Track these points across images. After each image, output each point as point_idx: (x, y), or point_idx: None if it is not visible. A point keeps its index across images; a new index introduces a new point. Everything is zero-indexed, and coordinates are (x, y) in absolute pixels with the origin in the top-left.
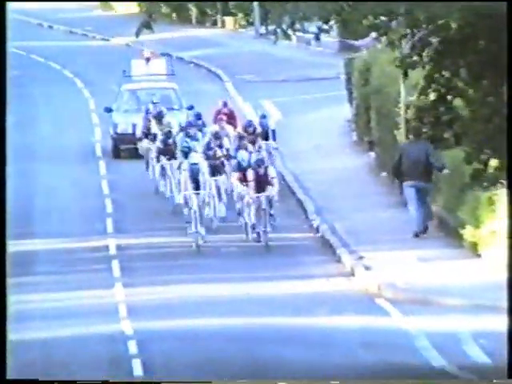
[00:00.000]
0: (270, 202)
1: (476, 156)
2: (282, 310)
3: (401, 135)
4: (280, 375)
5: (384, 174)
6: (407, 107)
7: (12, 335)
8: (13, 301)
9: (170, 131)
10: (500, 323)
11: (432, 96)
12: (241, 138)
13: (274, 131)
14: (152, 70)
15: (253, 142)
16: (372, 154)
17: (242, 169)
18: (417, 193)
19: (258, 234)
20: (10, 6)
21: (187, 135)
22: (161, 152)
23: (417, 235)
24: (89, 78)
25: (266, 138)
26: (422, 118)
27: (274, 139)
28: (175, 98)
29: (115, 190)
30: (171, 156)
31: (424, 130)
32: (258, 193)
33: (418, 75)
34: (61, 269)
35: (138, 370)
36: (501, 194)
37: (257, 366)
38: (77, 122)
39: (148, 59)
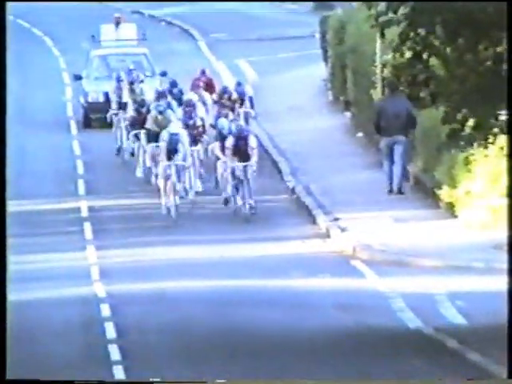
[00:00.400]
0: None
1: (453, 116)
2: (257, 272)
3: (377, 94)
4: (253, 337)
5: (360, 134)
6: (383, 66)
7: None
8: None
9: (143, 99)
10: (475, 284)
11: (408, 54)
12: (221, 105)
13: (251, 98)
14: (122, 34)
15: (231, 110)
16: (348, 114)
17: (223, 138)
18: (396, 149)
19: (239, 207)
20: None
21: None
22: (134, 121)
23: (391, 192)
24: (58, 36)
25: (242, 105)
26: (399, 77)
27: (252, 107)
28: (147, 63)
29: (87, 152)
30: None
31: (400, 88)
32: (238, 162)
33: (394, 33)
34: (32, 231)
35: (110, 333)
36: (477, 153)
37: (230, 329)
38: (47, 81)
39: (118, 23)
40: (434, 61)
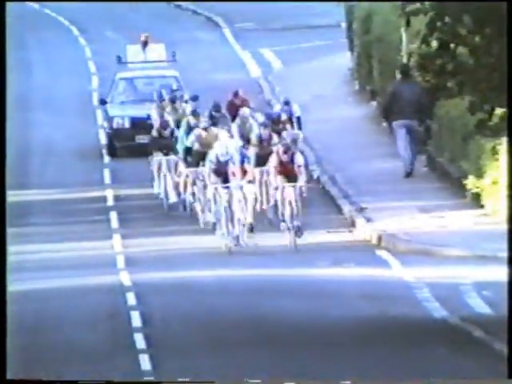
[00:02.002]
0: (298, 194)
1: (480, 105)
2: (282, 261)
3: None
4: (278, 327)
5: (384, 123)
6: (409, 55)
7: (10, 286)
8: (11, 251)
9: (166, 121)
10: (502, 274)
11: (435, 44)
12: (265, 126)
13: (299, 118)
14: (150, 56)
15: (278, 133)
16: (374, 104)
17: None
18: (408, 133)
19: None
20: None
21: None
22: (155, 143)
23: (408, 175)
24: (85, 26)
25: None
26: (425, 67)
27: (300, 127)
28: (177, 87)
29: None
30: (166, 150)
31: (427, 78)
32: (286, 182)
33: (420, 23)
34: (58, 220)
35: (136, 322)
36: (504, 143)
37: (255, 319)
38: (73, 70)
39: (145, 44)
40: (461, 50)
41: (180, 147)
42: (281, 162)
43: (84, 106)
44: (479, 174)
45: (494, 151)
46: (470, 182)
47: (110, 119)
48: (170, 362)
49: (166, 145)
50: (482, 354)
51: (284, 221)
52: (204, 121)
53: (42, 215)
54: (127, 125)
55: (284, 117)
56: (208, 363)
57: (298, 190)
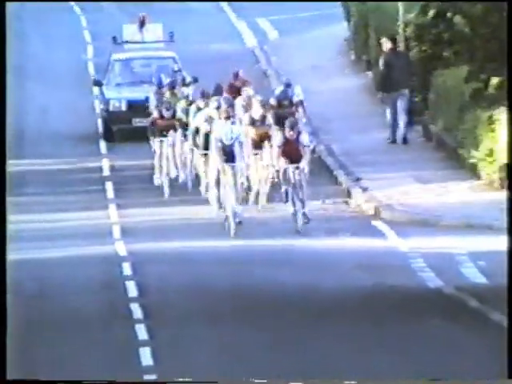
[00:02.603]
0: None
1: (476, 75)
2: (277, 231)
3: None
4: (272, 297)
5: (380, 94)
6: (406, 25)
7: (9, 255)
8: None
9: (169, 102)
10: (497, 244)
11: (431, 13)
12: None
13: (302, 102)
14: (147, 36)
15: (292, 114)
16: (370, 74)
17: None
18: (400, 102)
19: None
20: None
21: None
22: (154, 125)
23: (393, 142)
24: None
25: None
26: (422, 36)
27: (304, 111)
28: (177, 68)
29: None
30: (166, 132)
31: (423, 48)
32: (290, 163)
33: None
34: (54, 190)
35: (132, 292)
36: (500, 113)
37: (249, 288)
38: (69, 39)
39: (142, 24)
40: (457, 19)
41: (190, 130)
42: (286, 141)
43: (79, 75)
44: (475, 144)
45: (491, 121)
46: (466, 152)
47: (105, 101)
48: (165, 331)
49: (166, 126)
50: (477, 323)
51: (287, 201)
52: (215, 99)
53: (37, 185)
54: (124, 107)
55: (295, 99)
56: (203, 333)
57: (302, 171)
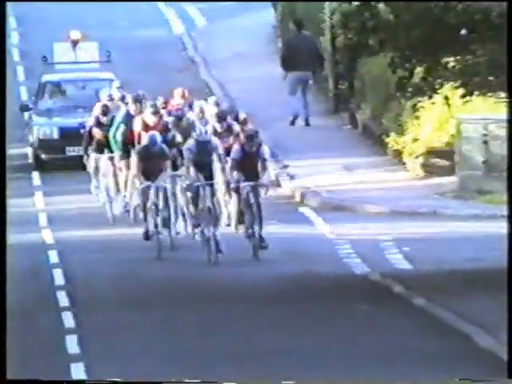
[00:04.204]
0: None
1: (401, 63)
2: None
3: (326, 42)
4: (202, 286)
5: (311, 81)
6: (332, 13)
7: None
8: None
9: (106, 105)
10: (421, 230)
11: (356, 2)
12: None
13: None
14: (82, 55)
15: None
16: None
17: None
18: (302, 83)
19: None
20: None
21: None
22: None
23: (293, 124)
24: None
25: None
26: (347, 24)
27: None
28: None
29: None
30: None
31: (349, 36)
32: (247, 180)
33: None
34: None
35: (59, 280)
36: (424, 101)
37: (174, 277)
38: None
39: (75, 42)
40: (382, 7)
41: (118, 139)
42: (244, 153)
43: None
44: (400, 132)
45: (415, 109)
46: (392, 140)
47: (34, 129)
48: (93, 318)
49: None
50: (402, 308)
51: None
52: (150, 105)
53: None
54: (56, 135)
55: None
56: (131, 320)
57: (260, 190)
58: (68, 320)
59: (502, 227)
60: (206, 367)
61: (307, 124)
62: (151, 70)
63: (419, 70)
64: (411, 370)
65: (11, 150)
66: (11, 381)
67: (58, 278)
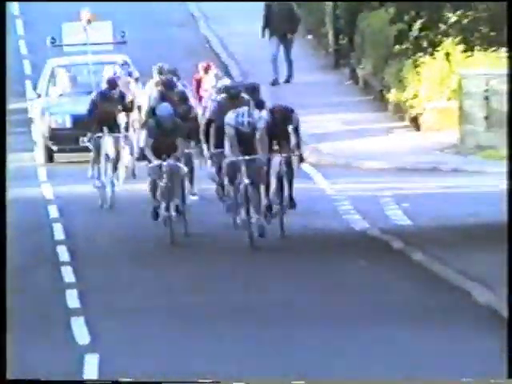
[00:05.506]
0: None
1: (400, 16)
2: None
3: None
4: (199, 240)
5: (310, 36)
6: None
7: None
8: None
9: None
10: (421, 186)
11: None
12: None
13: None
14: (94, 36)
15: None
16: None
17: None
18: (282, 44)
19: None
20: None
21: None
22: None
23: (274, 84)
24: None
25: None
26: None
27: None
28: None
29: (33, 52)
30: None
31: None
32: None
33: None
34: None
35: (59, 235)
36: (425, 56)
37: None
38: None
39: (87, 22)
40: None
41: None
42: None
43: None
44: (401, 87)
45: (416, 64)
46: (392, 95)
47: (45, 117)
48: (93, 272)
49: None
50: (401, 264)
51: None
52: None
53: None
54: (68, 124)
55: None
56: (130, 273)
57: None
58: (68, 274)
59: (501, 183)
60: (205, 322)
61: (288, 81)
62: (150, 25)
63: (418, 24)
64: (410, 324)
65: (12, 105)
66: (11, 381)
67: (58, 233)
